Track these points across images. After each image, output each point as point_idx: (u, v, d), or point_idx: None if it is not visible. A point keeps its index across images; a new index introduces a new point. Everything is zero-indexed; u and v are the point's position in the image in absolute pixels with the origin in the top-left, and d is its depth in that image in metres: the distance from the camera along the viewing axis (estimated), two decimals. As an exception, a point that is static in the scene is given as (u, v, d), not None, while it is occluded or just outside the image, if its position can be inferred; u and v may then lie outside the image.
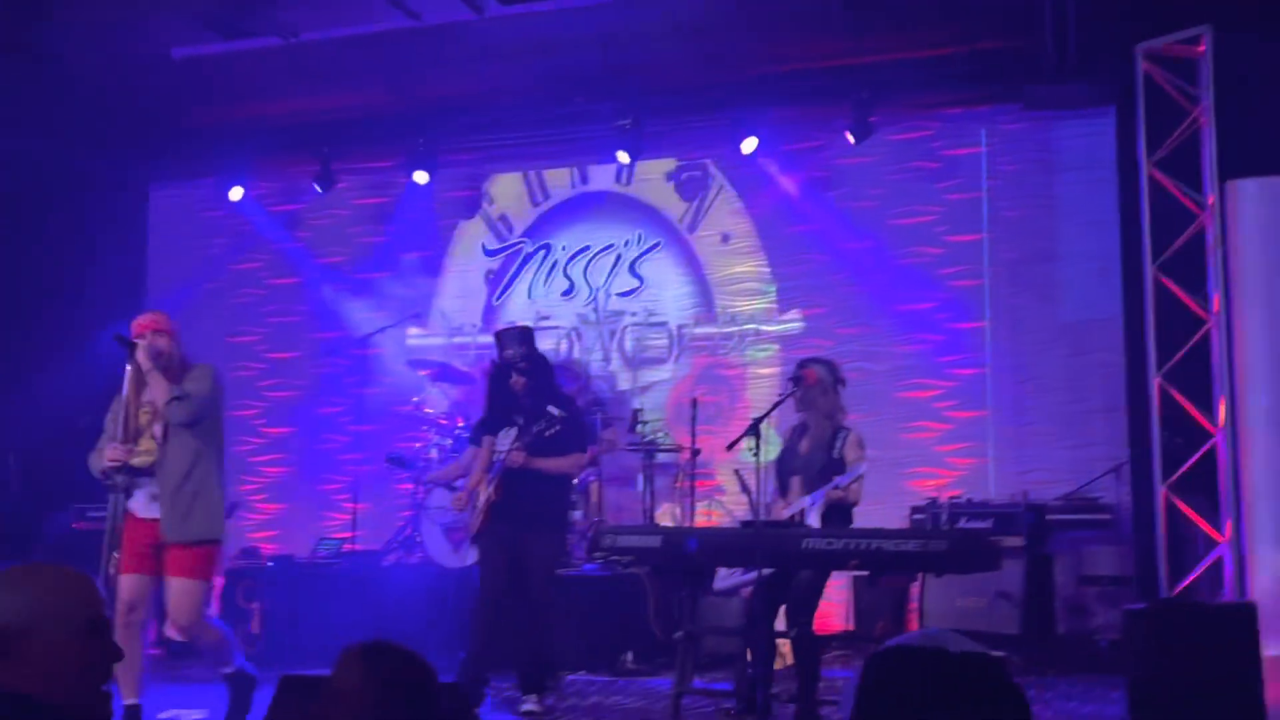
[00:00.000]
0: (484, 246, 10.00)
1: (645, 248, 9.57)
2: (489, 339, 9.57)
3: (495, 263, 9.95)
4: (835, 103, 8.67)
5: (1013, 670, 1.96)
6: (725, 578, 6.02)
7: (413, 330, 9.95)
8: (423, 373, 9.24)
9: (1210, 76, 7.21)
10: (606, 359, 9.56)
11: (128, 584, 5.14)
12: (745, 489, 7.06)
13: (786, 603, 5.65)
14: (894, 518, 7.74)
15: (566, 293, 9.72)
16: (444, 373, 9.15)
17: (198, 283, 10.23)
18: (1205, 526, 7.08)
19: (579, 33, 8.52)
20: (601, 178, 9.75)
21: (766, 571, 5.40)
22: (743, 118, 8.73)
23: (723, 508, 8.87)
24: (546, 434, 5.98)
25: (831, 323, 9.00)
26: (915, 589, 7.44)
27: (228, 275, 10.43)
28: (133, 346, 5.15)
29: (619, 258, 9.62)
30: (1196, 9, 7.29)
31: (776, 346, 9.15)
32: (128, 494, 5.19)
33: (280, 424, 10.18)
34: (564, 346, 9.54)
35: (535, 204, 9.94)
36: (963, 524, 7.63)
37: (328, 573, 8.37)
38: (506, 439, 6.14)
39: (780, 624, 5.68)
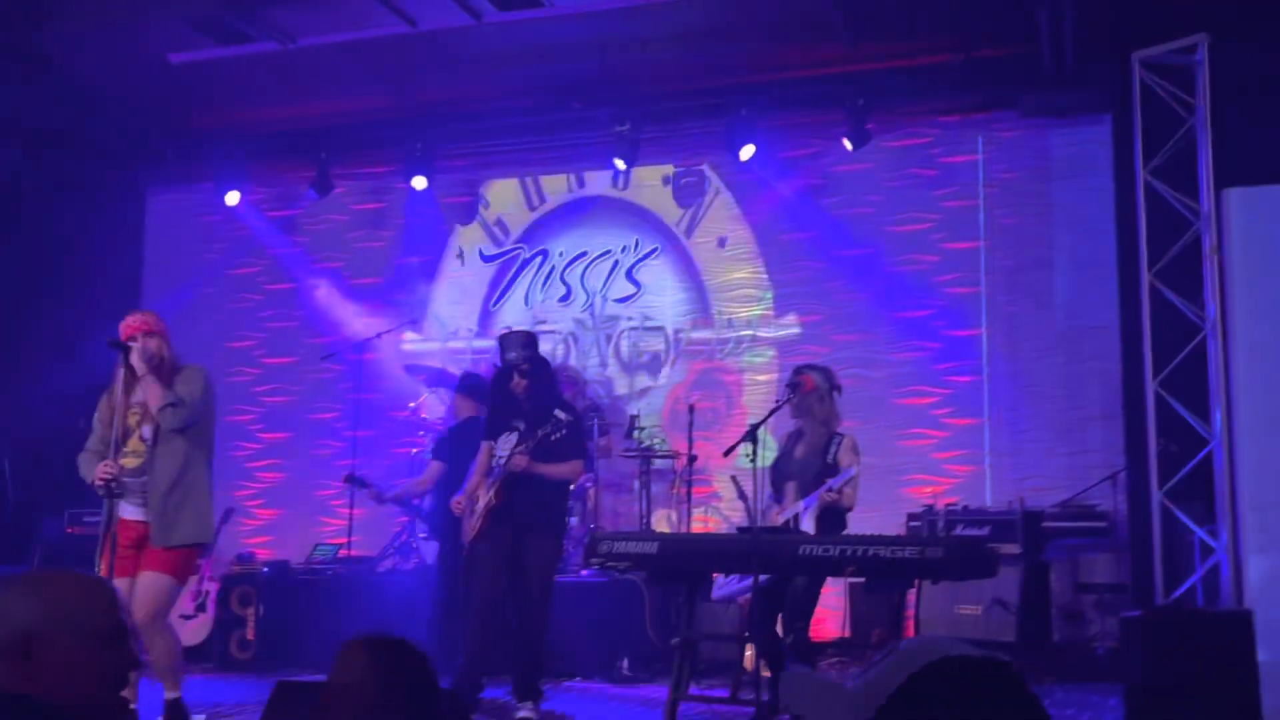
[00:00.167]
0: (481, 252, 10.00)
1: (643, 254, 9.58)
2: (485, 344, 9.62)
3: (492, 268, 9.95)
4: (832, 109, 8.68)
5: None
6: (722, 586, 6.01)
7: (409, 335, 9.95)
8: (419, 378, 9.24)
9: (1207, 85, 7.21)
10: (603, 363, 9.56)
11: (122, 588, 5.11)
12: (742, 495, 7.06)
13: (782, 609, 5.64)
14: (890, 524, 7.73)
15: (563, 298, 9.72)
16: (439, 378, 9.15)
17: (195, 287, 10.24)
18: (1202, 534, 7.08)
19: (576, 38, 8.53)
20: (598, 182, 9.75)
21: (763, 578, 5.39)
22: (740, 124, 8.73)
23: (719, 514, 8.86)
24: (553, 438, 5.97)
25: (828, 329, 9.00)
26: (912, 596, 7.43)
27: (224, 280, 10.43)
28: (126, 349, 5.12)
29: (616, 263, 9.62)
30: (1193, 17, 7.30)
31: (773, 351, 9.15)
32: (119, 497, 5.15)
33: (277, 429, 10.17)
34: (560, 351, 9.54)
35: (532, 209, 9.94)
36: (959, 531, 7.63)
37: (323, 578, 8.35)
38: (506, 444, 6.13)
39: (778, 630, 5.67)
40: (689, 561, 5.67)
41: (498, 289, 9.89)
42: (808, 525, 5.70)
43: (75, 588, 2.02)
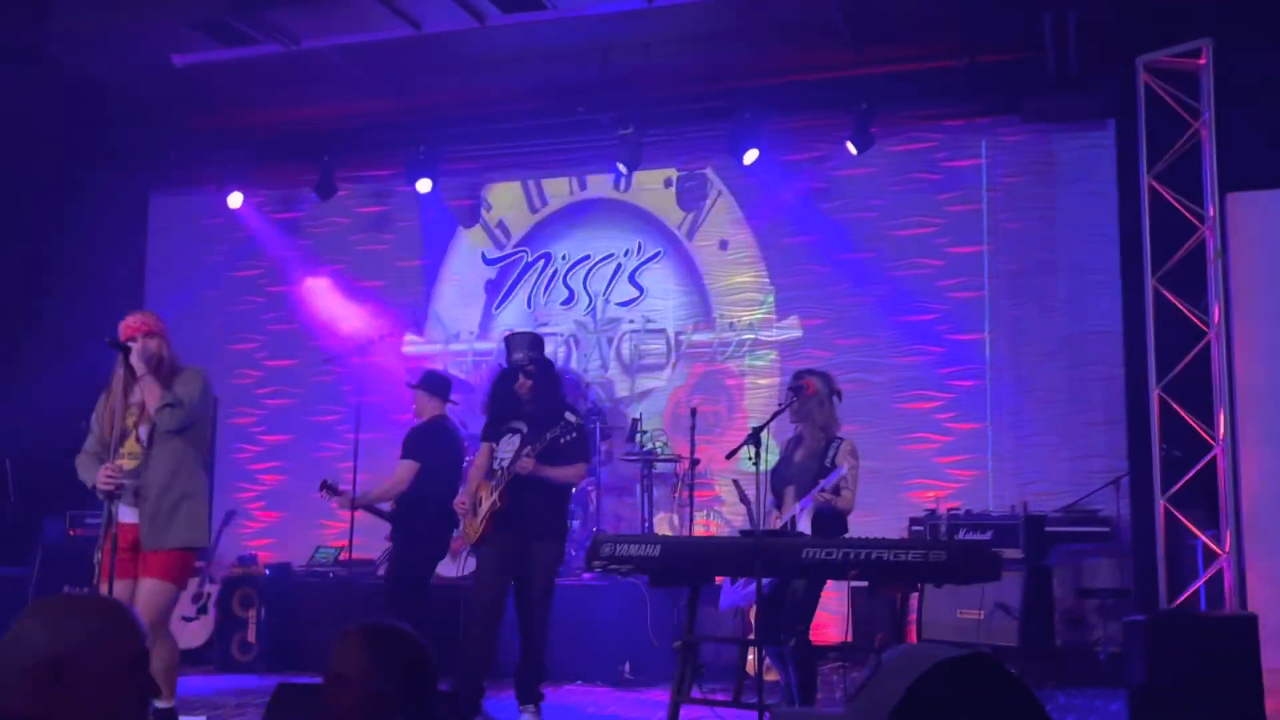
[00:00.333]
0: (483, 255, 10.00)
1: (645, 258, 9.57)
2: (487, 346, 9.62)
3: (494, 271, 9.95)
4: (836, 114, 8.68)
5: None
6: (727, 595, 6.00)
7: (411, 338, 9.94)
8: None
9: (1211, 89, 7.21)
10: (604, 365, 9.56)
11: (120, 591, 5.08)
12: (744, 499, 7.05)
13: (783, 613, 5.63)
14: (892, 529, 7.72)
15: (565, 301, 9.71)
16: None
17: (197, 289, 10.24)
18: (1205, 539, 7.06)
19: (580, 41, 8.52)
20: (600, 185, 9.75)
21: (766, 583, 5.37)
22: (743, 128, 8.73)
23: (721, 517, 8.85)
24: (563, 440, 5.96)
25: (830, 333, 8.99)
26: (914, 601, 7.41)
27: (227, 282, 10.43)
28: (126, 350, 5.10)
29: (619, 267, 9.62)
30: (1198, 22, 7.30)
31: (775, 354, 9.14)
32: (117, 499, 5.13)
33: (278, 431, 10.17)
34: (561, 353, 9.53)
35: (534, 211, 9.94)
36: (962, 536, 7.61)
37: (325, 581, 8.35)
38: (509, 446, 6.11)
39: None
40: (691, 564, 5.64)
41: (500, 292, 9.89)
42: (804, 527, 5.69)
43: (101, 614, 2.03)
